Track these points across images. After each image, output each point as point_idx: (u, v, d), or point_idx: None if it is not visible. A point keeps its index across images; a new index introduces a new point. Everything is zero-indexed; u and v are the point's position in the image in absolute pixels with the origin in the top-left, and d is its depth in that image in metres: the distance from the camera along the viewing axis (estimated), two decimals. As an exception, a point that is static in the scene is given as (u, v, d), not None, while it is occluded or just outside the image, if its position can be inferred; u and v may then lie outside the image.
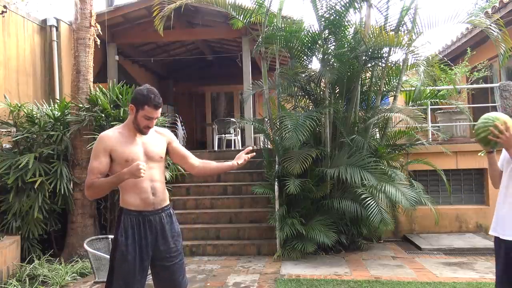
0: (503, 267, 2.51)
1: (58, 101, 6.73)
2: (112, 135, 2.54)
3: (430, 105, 7.35)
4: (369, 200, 5.40)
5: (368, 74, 6.60)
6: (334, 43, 6.40)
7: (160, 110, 2.53)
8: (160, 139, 2.66)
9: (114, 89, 6.20)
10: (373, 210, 5.35)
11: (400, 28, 6.22)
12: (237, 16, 6.83)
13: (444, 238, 6.48)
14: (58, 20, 7.79)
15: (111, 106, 5.99)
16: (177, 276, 2.57)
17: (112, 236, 4.25)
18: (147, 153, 2.55)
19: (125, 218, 2.49)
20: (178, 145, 2.76)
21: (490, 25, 5.55)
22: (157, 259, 2.53)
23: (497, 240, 2.56)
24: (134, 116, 2.50)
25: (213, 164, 2.78)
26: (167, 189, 2.77)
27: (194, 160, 2.74)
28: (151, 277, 2.66)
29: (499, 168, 2.60)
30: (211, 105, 14.08)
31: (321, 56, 6.35)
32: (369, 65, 6.38)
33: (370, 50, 5.87)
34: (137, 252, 2.46)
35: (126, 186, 2.49)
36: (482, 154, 7.14)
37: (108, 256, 3.77)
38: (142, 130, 2.53)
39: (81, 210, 5.89)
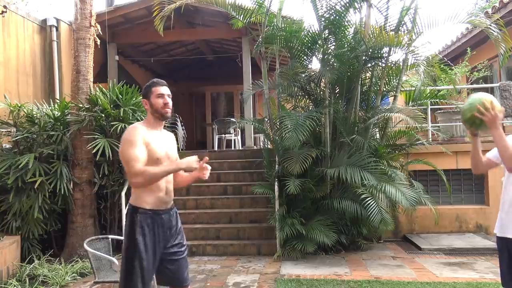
0: (509, 264, 2.50)
1: (58, 101, 6.73)
2: (145, 128, 2.55)
3: (430, 105, 7.36)
4: (369, 200, 5.41)
5: (368, 74, 6.60)
6: (334, 43, 6.41)
7: (167, 88, 2.63)
8: (174, 142, 2.79)
9: (114, 89, 6.20)
10: (373, 210, 5.35)
11: (400, 28, 6.22)
12: (237, 16, 6.84)
13: (444, 238, 6.49)
14: (58, 20, 7.79)
15: (111, 106, 5.99)
16: (182, 270, 2.67)
17: (112, 236, 4.27)
18: (167, 153, 2.62)
19: (142, 218, 2.50)
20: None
21: (490, 25, 5.55)
22: (167, 254, 2.60)
23: (499, 239, 2.55)
24: (150, 105, 2.58)
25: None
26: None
27: None
28: None
29: (481, 154, 2.59)
30: (211, 105, 14.07)
31: (321, 56, 6.35)
32: (369, 65, 6.38)
33: (370, 50, 5.88)
34: (153, 250, 2.52)
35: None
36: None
37: (109, 256, 3.78)
38: (162, 112, 2.57)
39: (81, 210, 5.89)
